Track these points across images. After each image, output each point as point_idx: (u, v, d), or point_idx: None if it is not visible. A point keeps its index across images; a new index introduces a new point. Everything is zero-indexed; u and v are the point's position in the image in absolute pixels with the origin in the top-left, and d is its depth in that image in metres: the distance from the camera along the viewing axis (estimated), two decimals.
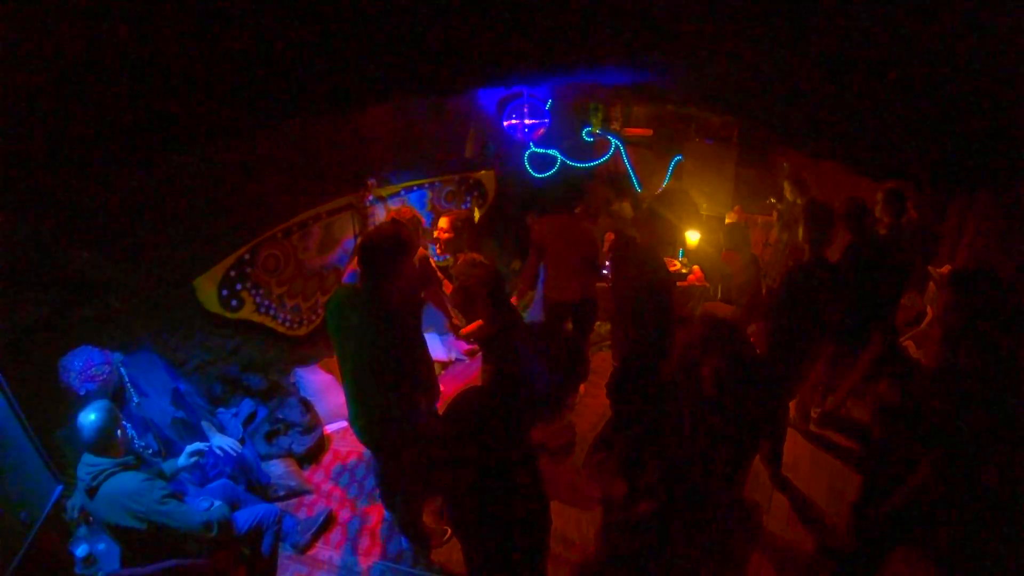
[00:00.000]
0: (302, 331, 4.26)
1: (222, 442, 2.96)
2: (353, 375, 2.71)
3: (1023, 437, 2.18)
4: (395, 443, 2.79)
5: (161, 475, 2.54)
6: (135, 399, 2.80)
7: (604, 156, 5.76)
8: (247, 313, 3.91)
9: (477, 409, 1.89)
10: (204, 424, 3.10)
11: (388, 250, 2.53)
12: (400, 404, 2.69)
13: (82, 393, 2.49)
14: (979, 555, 2.42)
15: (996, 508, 2.29)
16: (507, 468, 1.78)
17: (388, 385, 2.65)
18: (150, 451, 2.70)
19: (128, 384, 2.80)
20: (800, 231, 3.16)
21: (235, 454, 3.00)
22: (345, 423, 4.08)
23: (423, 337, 2.72)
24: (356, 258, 2.61)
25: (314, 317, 4.29)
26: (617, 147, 5.69)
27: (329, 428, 4.17)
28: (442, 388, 4.29)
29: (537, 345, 1.89)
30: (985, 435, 2.19)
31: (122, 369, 2.76)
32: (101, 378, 2.54)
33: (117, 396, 2.66)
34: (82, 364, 2.51)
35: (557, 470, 3.58)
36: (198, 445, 2.68)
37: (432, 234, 3.95)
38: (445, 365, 4.88)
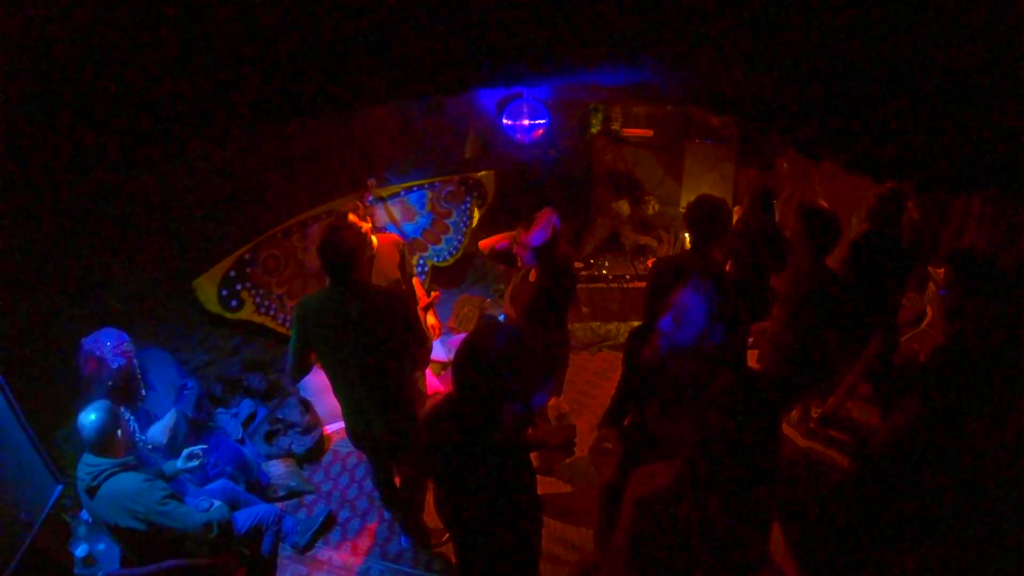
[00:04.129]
0: None
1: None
2: (351, 379, 2.67)
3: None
4: (398, 443, 2.79)
5: (161, 475, 2.54)
6: (143, 391, 2.82)
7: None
8: (247, 313, 3.92)
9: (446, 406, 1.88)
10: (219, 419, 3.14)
11: (349, 248, 2.48)
12: (403, 401, 2.70)
13: (114, 367, 2.61)
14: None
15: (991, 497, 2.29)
16: (484, 459, 1.77)
17: (391, 382, 2.66)
18: (149, 447, 2.71)
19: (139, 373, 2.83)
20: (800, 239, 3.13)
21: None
22: None
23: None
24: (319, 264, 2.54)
25: None
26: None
27: (329, 428, 4.16)
28: (441, 388, 4.30)
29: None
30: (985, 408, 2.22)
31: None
32: (130, 354, 2.68)
33: (131, 384, 2.72)
34: (114, 340, 2.65)
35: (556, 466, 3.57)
36: (195, 448, 2.68)
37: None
38: (445, 366, 4.87)
